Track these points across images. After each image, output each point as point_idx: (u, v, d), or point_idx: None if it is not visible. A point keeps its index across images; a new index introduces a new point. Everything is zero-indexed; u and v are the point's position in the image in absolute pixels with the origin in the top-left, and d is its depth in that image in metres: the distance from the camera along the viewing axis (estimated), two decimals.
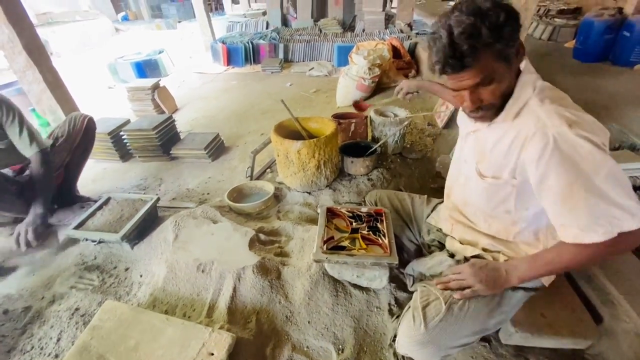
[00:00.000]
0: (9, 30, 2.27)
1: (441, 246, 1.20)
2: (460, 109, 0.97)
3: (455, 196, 1.11)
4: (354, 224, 1.38)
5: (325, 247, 1.25)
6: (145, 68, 4.57)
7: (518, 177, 0.86)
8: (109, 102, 4.01)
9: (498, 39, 0.72)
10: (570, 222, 0.75)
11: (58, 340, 1.25)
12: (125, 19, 10.75)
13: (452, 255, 1.09)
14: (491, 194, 0.94)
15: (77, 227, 1.62)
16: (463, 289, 0.93)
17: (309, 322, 1.24)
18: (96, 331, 1.14)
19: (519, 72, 0.85)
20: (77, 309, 1.36)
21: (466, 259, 1.04)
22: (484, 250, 1.02)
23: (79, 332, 1.25)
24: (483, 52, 0.73)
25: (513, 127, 0.83)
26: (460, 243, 1.08)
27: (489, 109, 0.84)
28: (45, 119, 2.51)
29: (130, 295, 1.44)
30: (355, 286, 1.33)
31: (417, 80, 1.04)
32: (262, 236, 1.59)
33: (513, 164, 0.85)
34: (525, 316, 1.06)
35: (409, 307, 1.00)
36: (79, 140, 1.88)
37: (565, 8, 6.34)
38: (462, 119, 1.07)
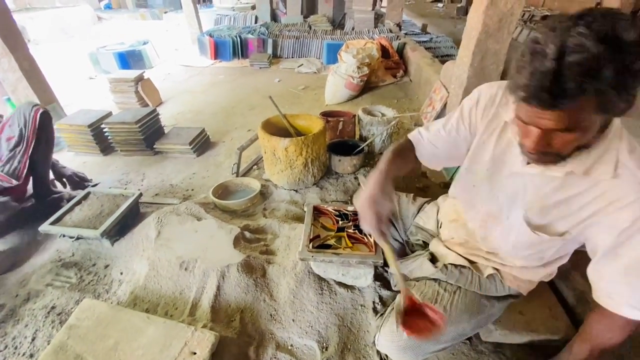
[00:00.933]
0: None
1: (425, 245, 1.20)
2: (515, 141, 0.76)
3: (474, 229, 1.02)
4: (340, 222, 1.38)
5: (311, 245, 1.25)
6: (128, 59, 4.43)
7: (574, 232, 0.77)
8: (89, 93, 3.87)
9: (618, 88, 0.52)
10: (621, 295, 0.73)
11: (33, 339, 1.21)
12: (108, 7, 10.39)
13: (432, 260, 1.08)
14: (532, 244, 0.85)
15: (54, 223, 1.57)
16: None
17: (293, 321, 1.24)
18: (73, 330, 1.11)
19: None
20: (53, 308, 1.32)
21: (445, 266, 1.03)
22: (471, 262, 1.02)
23: (55, 331, 1.21)
24: (588, 98, 0.53)
25: (589, 182, 0.71)
26: (448, 248, 1.08)
27: (551, 157, 0.68)
28: None
29: (109, 293, 1.40)
30: (340, 284, 1.33)
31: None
32: (247, 234, 1.57)
33: (579, 220, 0.75)
34: (504, 314, 1.09)
35: (392, 308, 1.01)
36: (34, 142, 1.61)
37: (549, 14, 6.53)
38: (506, 152, 0.84)
